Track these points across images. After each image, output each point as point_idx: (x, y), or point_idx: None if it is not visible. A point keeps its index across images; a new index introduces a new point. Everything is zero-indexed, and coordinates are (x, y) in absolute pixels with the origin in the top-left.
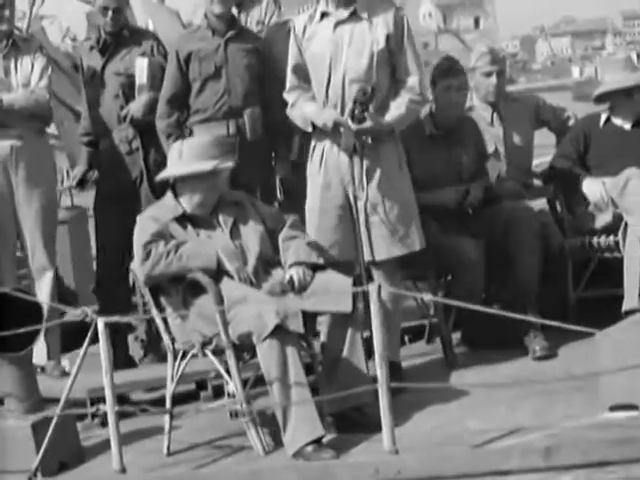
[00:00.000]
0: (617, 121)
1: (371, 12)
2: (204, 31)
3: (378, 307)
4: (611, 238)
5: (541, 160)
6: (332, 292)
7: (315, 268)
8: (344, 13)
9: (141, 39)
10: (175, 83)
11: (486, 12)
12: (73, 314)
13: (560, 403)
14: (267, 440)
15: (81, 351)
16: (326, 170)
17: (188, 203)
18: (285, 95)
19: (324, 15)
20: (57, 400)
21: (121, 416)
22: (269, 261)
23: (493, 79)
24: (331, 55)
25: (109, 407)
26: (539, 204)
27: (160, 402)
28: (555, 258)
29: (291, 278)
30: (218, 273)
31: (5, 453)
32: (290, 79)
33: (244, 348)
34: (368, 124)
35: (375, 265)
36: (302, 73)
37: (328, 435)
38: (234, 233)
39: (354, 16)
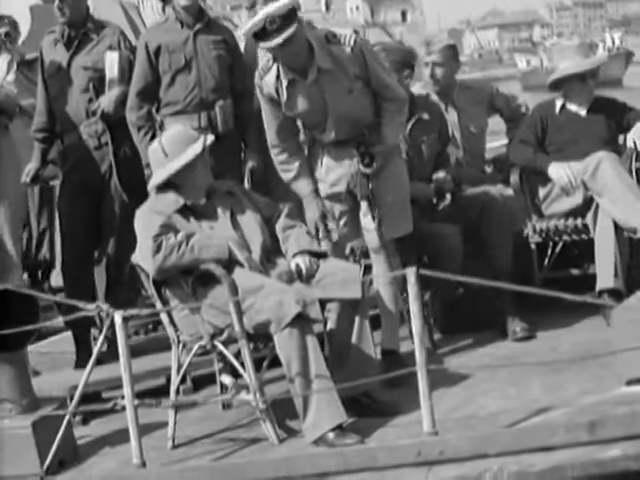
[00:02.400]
0: (572, 107)
1: (334, 61)
2: (172, 23)
3: (416, 291)
4: (579, 221)
5: (489, 146)
6: (340, 279)
7: (317, 256)
8: (311, 75)
9: (106, 32)
10: (145, 76)
11: (413, 5)
12: (88, 309)
13: (569, 380)
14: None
15: (96, 346)
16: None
17: (190, 193)
18: (279, 157)
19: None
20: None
21: (94, 415)
22: (270, 250)
23: (431, 69)
24: (318, 109)
25: (128, 401)
26: (499, 189)
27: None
28: (520, 241)
29: (298, 267)
30: (229, 263)
31: (5, 453)
32: (278, 142)
33: (257, 338)
34: (378, 163)
35: (375, 251)
36: (287, 131)
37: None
38: (234, 223)
39: (322, 72)
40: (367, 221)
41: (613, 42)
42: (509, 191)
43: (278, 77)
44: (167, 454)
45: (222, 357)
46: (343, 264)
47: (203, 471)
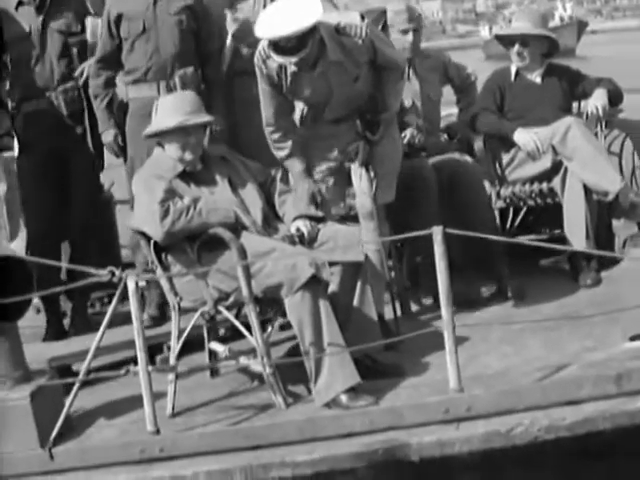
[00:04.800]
0: (527, 74)
1: (344, 52)
2: None
3: (443, 249)
4: (544, 185)
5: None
6: (342, 243)
7: (316, 221)
8: (319, 67)
9: None
10: (105, 44)
11: None
12: (100, 274)
13: (566, 338)
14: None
15: (108, 313)
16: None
17: (175, 155)
18: (273, 136)
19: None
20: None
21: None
22: (268, 215)
23: (410, 36)
24: (322, 96)
25: (142, 368)
26: (459, 155)
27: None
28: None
29: (299, 230)
30: (235, 228)
31: (3, 425)
32: (273, 122)
33: (265, 303)
34: (382, 131)
35: (365, 217)
36: (284, 111)
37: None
38: (233, 189)
39: (331, 64)
40: (363, 186)
41: (565, 10)
42: (467, 158)
43: (282, 64)
44: (171, 422)
45: (213, 324)
46: (344, 228)
47: (224, 435)
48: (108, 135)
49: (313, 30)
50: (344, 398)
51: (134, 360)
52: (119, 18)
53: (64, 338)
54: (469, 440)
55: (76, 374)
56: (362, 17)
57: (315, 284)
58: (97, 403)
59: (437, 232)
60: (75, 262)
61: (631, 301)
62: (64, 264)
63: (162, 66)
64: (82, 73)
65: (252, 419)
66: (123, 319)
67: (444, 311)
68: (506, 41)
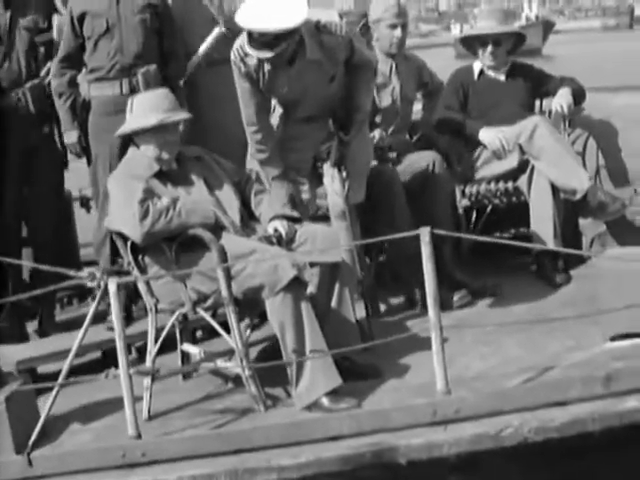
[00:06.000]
0: (491, 73)
1: (323, 50)
2: None
3: (430, 250)
4: (509, 184)
5: None
6: (320, 244)
7: (292, 221)
8: (297, 65)
9: None
10: (68, 43)
11: None
12: (80, 277)
13: (544, 338)
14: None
15: (88, 315)
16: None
17: (152, 154)
18: (256, 136)
19: None
20: None
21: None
22: (244, 215)
23: (398, 31)
24: (297, 93)
25: (123, 371)
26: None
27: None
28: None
29: (276, 231)
30: (214, 228)
31: None
32: (256, 121)
33: (244, 304)
34: (355, 131)
35: (337, 217)
36: (264, 110)
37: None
38: (209, 189)
39: (308, 62)
40: (336, 186)
41: (531, 10)
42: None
43: (260, 61)
44: (147, 426)
45: (184, 326)
46: (321, 228)
47: (206, 439)
48: (71, 136)
49: (293, 30)
50: (326, 401)
51: (101, 362)
52: (82, 16)
53: (26, 340)
54: (458, 442)
55: (42, 377)
56: (340, 17)
57: (297, 285)
58: (69, 407)
59: (424, 233)
60: (40, 262)
61: (610, 301)
62: (36, 264)
63: (125, 64)
64: (48, 72)
65: (232, 423)
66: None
67: (431, 312)
68: (477, 42)
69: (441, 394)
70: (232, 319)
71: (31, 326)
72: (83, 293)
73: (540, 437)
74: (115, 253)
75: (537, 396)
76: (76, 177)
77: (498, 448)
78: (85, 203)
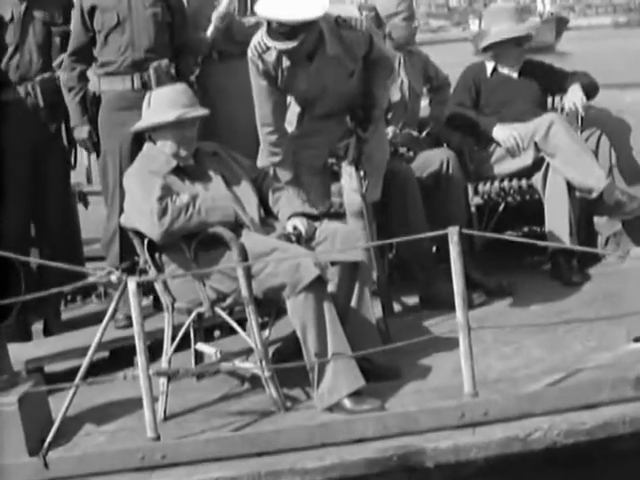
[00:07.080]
0: (504, 70)
1: (343, 46)
2: None
3: (458, 250)
4: (523, 182)
5: None
6: (340, 242)
7: (311, 219)
8: (316, 62)
9: None
10: (78, 36)
11: None
12: (99, 275)
13: (566, 338)
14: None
15: (107, 314)
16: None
17: (170, 150)
18: (271, 137)
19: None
20: None
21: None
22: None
23: (415, 23)
24: (316, 90)
25: (142, 372)
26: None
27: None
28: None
29: (296, 229)
30: (234, 226)
31: None
32: (272, 122)
33: (263, 304)
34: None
35: (354, 215)
36: (280, 110)
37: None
38: (227, 185)
39: (328, 58)
40: (354, 184)
41: (544, 6)
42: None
43: (279, 57)
44: (164, 427)
45: (199, 325)
46: (342, 226)
47: (229, 442)
48: (82, 131)
49: (312, 22)
50: (348, 402)
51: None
52: (92, 10)
53: (29, 339)
54: (487, 445)
55: (49, 376)
56: (359, 11)
57: (319, 285)
58: (80, 408)
59: (453, 233)
60: (49, 260)
61: (632, 302)
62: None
63: (136, 59)
64: (60, 64)
65: (252, 425)
66: (88, 320)
67: (459, 313)
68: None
69: (469, 396)
70: (252, 319)
71: (35, 324)
72: (87, 290)
73: (570, 440)
74: (125, 250)
75: (567, 399)
76: (73, 173)
77: (527, 451)
78: (83, 198)
